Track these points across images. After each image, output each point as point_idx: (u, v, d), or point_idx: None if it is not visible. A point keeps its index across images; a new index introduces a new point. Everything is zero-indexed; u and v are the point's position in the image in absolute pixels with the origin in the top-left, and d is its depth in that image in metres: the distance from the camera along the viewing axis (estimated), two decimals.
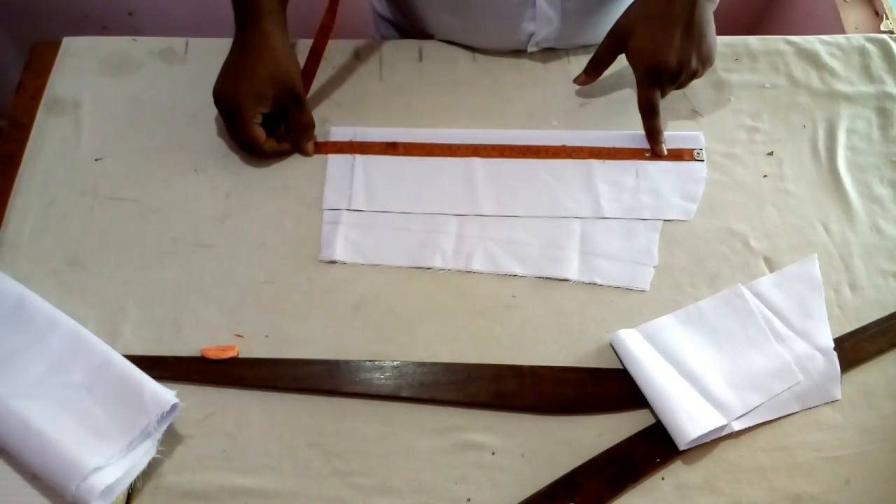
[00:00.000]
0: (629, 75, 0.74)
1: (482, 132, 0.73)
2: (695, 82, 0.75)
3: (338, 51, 0.77)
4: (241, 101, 0.65)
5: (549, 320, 0.64)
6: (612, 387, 0.61)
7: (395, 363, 0.61)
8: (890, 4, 0.86)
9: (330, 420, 0.59)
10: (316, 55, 0.72)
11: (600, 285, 0.65)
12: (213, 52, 0.77)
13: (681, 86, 0.71)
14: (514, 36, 0.76)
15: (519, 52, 0.78)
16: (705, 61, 0.70)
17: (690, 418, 0.57)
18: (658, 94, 0.70)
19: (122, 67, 0.75)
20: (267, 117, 0.68)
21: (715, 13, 0.71)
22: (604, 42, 0.72)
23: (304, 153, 0.70)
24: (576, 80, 0.74)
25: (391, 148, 0.71)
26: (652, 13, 0.68)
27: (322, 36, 0.72)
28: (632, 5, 0.70)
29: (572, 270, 0.66)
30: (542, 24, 0.75)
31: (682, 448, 0.56)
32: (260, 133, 0.67)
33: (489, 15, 0.74)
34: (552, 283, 0.65)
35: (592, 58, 0.73)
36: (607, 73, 0.76)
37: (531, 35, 0.76)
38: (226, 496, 0.55)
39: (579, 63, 0.77)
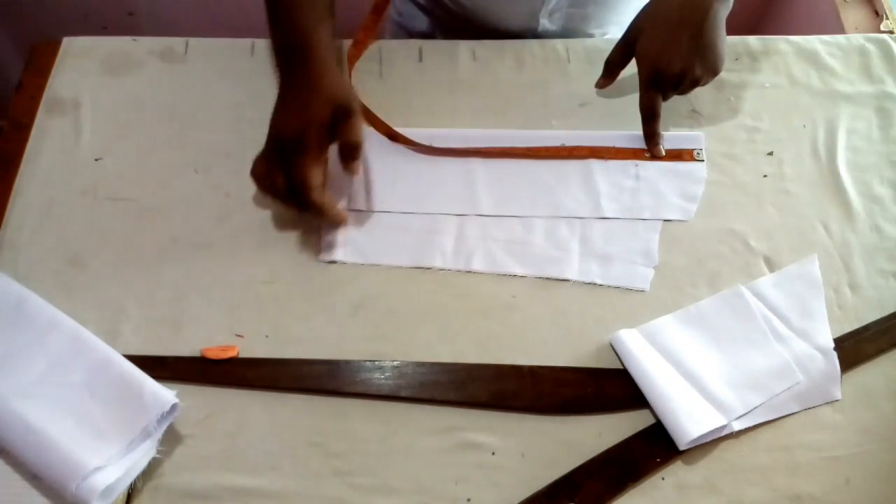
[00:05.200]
0: (629, 76, 0.73)
1: (482, 132, 0.73)
2: None
3: None
4: (306, 133, 0.60)
5: (549, 320, 0.64)
6: (612, 387, 0.61)
7: (395, 363, 0.61)
8: (890, 4, 0.86)
9: (330, 420, 0.59)
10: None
11: (600, 285, 0.65)
12: (213, 52, 0.77)
13: (683, 92, 0.71)
14: (528, 1, 0.76)
15: (519, 53, 0.78)
16: (710, 71, 0.69)
17: (690, 418, 0.57)
18: (659, 98, 0.70)
19: (122, 67, 0.75)
20: None
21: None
22: (617, 44, 0.71)
23: (349, 172, 0.63)
24: (596, 86, 0.73)
25: (391, 138, 0.71)
26: (662, 17, 0.67)
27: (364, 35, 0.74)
28: (645, 6, 0.69)
29: (572, 270, 0.66)
30: None
31: (682, 448, 0.56)
32: (316, 177, 0.61)
33: None
34: (552, 283, 0.65)
35: (607, 60, 0.72)
36: None
37: (544, 1, 0.76)
38: (226, 496, 0.55)
39: (579, 63, 0.77)
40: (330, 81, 0.61)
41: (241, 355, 0.61)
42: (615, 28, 0.85)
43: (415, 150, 0.71)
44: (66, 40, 0.77)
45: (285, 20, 0.63)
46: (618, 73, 0.72)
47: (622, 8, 0.83)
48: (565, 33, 0.82)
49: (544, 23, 0.80)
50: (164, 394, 0.55)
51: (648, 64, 0.68)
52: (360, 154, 0.62)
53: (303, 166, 0.60)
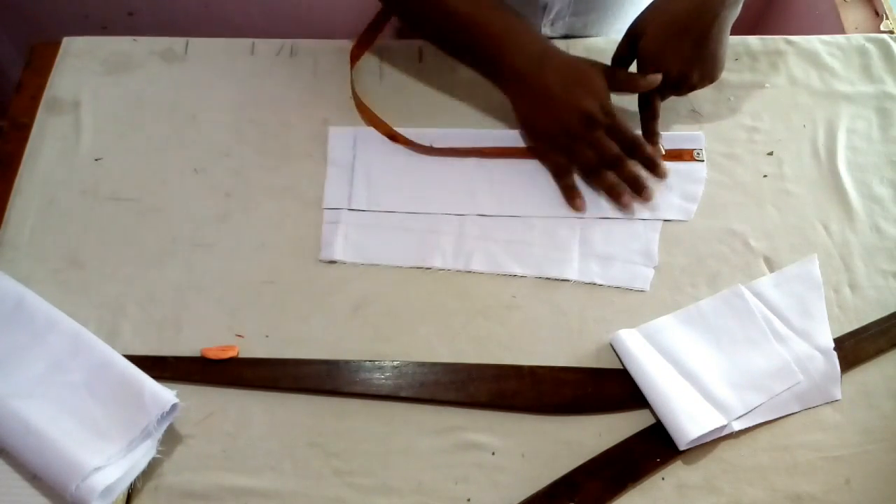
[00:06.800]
0: None
1: (482, 132, 0.73)
2: None
3: (337, 51, 0.77)
4: (594, 110, 0.64)
5: (549, 320, 0.64)
6: (612, 387, 0.61)
7: (395, 363, 0.61)
8: (890, 4, 0.86)
9: (330, 420, 0.59)
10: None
11: (600, 285, 0.65)
12: (213, 52, 0.77)
13: (679, 94, 0.71)
14: (529, 11, 0.76)
15: None
16: (707, 77, 0.68)
17: (690, 418, 0.57)
18: (658, 98, 0.70)
19: (122, 67, 0.75)
20: None
21: None
22: (620, 42, 0.70)
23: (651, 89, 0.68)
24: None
25: (391, 138, 0.71)
26: (668, 18, 0.66)
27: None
28: (651, 5, 0.68)
29: (572, 270, 0.66)
30: None
31: (682, 448, 0.56)
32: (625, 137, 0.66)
33: None
34: (552, 283, 0.65)
35: (613, 56, 0.71)
36: None
37: (545, 8, 0.76)
38: (226, 496, 0.55)
39: None
40: (562, 55, 0.65)
41: (241, 355, 0.61)
42: (616, 35, 0.85)
43: (415, 151, 0.71)
44: (66, 40, 0.77)
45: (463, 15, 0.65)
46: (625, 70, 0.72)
47: (622, 14, 0.83)
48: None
49: (546, 31, 0.80)
50: (164, 394, 0.55)
51: (647, 65, 0.68)
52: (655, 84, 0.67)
53: (625, 127, 0.66)
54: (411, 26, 0.71)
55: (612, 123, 0.65)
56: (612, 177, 0.67)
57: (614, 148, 0.66)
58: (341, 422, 0.59)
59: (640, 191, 0.67)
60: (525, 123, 0.69)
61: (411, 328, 0.63)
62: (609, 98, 0.65)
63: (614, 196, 0.67)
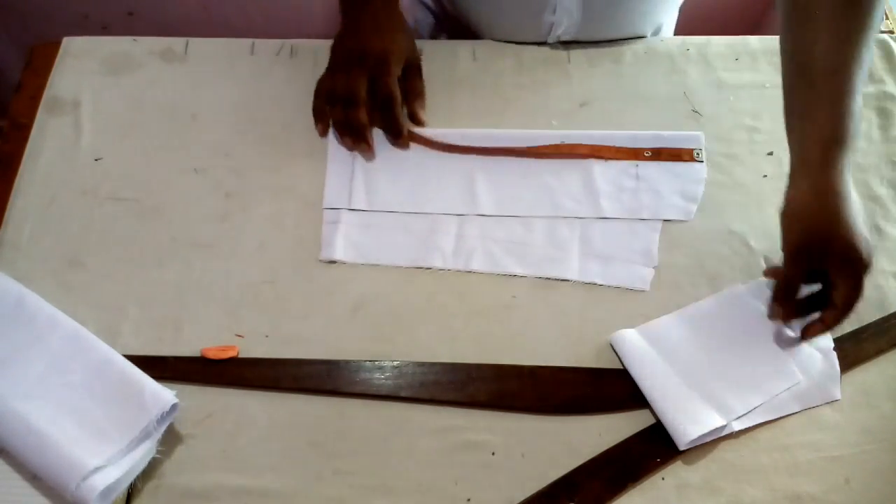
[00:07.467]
0: (628, 74, 0.73)
1: (482, 132, 0.73)
2: (694, 80, 0.75)
3: None
4: (390, 56, 0.67)
5: (549, 320, 0.64)
6: (612, 387, 0.61)
7: (395, 363, 0.61)
8: (890, 4, 0.86)
9: (330, 420, 0.59)
10: None
11: (600, 285, 0.65)
12: (213, 52, 0.77)
13: (852, 303, 0.57)
14: (535, 27, 0.76)
15: (519, 53, 0.78)
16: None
17: (690, 418, 0.57)
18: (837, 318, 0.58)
19: (122, 67, 0.75)
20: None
21: (715, 12, 0.70)
22: (788, 265, 0.58)
23: (419, 121, 0.72)
24: (773, 317, 0.60)
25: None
26: (828, 196, 0.55)
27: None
28: (791, 198, 0.58)
29: (572, 270, 0.66)
30: (563, 16, 0.74)
31: (682, 448, 0.56)
32: (399, 92, 0.69)
33: (509, 4, 0.75)
34: (552, 283, 0.65)
35: (782, 289, 0.59)
36: (605, 72, 0.76)
37: (552, 26, 0.76)
38: (226, 496, 0.55)
39: (579, 63, 0.77)
40: (405, 26, 0.71)
41: (241, 355, 0.61)
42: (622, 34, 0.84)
43: (417, 144, 0.71)
44: (66, 40, 0.77)
45: None
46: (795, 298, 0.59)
47: (634, 18, 0.82)
48: None
49: (550, 40, 0.79)
50: (164, 394, 0.55)
51: (857, 268, 0.56)
52: (424, 104, 0.73)
53: (391, 82, 0.67)
54: None
55: (378, 77, 0.67)
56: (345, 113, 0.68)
57: (360, 85, 0.67)
58: (341, 422, 0.59)
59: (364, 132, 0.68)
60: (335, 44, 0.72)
61: (411, 328, 0.63)
62: (396, 65, 0.68)
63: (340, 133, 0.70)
